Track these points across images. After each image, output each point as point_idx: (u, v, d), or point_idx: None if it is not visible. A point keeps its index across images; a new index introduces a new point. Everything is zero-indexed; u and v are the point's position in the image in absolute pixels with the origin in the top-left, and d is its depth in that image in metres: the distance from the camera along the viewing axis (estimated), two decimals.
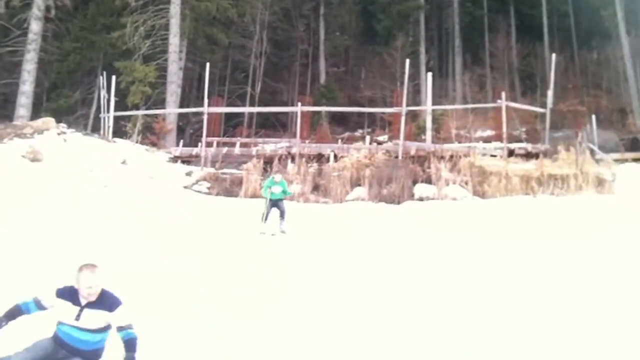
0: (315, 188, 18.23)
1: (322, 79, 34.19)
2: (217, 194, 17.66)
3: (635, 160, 19.84)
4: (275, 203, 12.14)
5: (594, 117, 22.13)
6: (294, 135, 21.70)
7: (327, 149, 20.10)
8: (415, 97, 29.16)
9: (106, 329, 3.64)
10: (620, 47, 29.31)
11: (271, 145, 21.46)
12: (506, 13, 35.16)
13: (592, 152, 19.29)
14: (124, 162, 18.58)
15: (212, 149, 21.18)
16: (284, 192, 12.49)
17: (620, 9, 28.53)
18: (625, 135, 24.20)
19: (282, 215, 12.13)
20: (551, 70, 21.83)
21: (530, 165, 18.02)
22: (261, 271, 7.70)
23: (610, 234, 11.02)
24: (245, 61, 32.79)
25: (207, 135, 21.39)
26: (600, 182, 16.90)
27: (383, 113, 25.61)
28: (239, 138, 23.59)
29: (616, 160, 19.15)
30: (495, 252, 9.85)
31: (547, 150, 19.15)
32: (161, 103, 26.91)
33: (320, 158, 19.61)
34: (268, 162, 19.28)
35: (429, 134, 20.56)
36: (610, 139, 22.37)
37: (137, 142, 22.54)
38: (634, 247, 9.61)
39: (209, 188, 18.19)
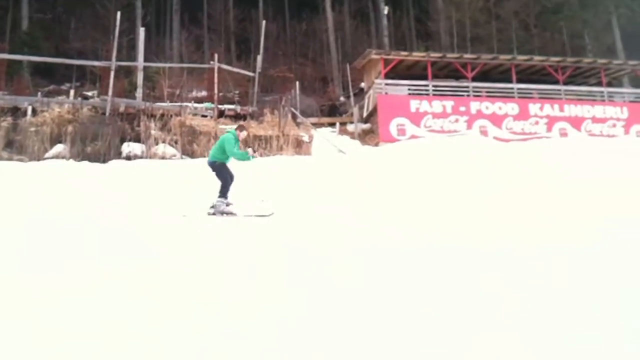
0: (9, 144, 16.49)
1: (25, 25, 30.63)
2: None
3: (331, 124, 22.11)
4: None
5: (297, 83, 23.84)
6: None
7: (24, 102, 18.20)
8: (130, 52, 27.95)
9: None
10: (325, 21, 32.01)
11: None
12: None
13: (294, 115, 20.89)
14: None
15: None
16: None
17: None
18: (325, 102, 26.65)
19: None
20: (261, 36, 22.87)
21: None
22: None
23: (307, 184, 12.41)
24: None
25: None
26: (298, 144, 18.43)
27: (93, 66, 24.06)
28: None
29: (314, 124, 21.06)
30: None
31: (255, 113, 20.17)
32: None
33: (16, 112, 17.73)
34: None
35: (139, 91, 19.95)
36: (311, 105, 24.45)
37: None
38: (327, 196, 11.07)
39: None
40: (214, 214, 9.01)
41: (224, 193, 9.14)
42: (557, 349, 2.90)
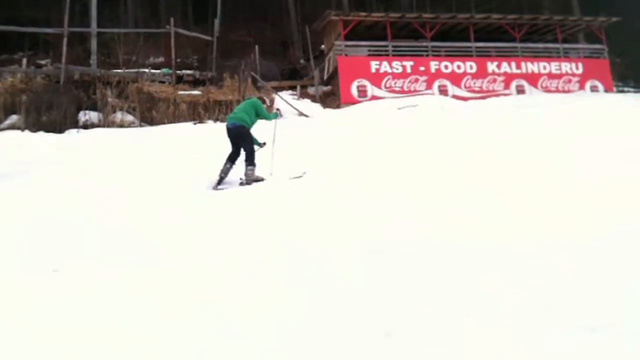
0: None
1: None
2: None
3: (292, 87, 22.01)
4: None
5: (257, 47, 23.54)
6: None
7: None
8: (84, 19, 27.11)
9: None
10: None
11: None
12: None
13: (254, 80, 20.71)
14: None
15: None
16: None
17: None
18: (286, 66, 26.39)
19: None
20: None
21: (197, 92, 18.60)
22: None
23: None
24: None
25: None
26: None
27: (46, 34, 23.35)
28: None
29: (275, 88, 20.95)
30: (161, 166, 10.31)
31: (214, 78, 19.96)
32: None
33: None
34: None
35: (94, 58, 19.50)
36: (272, 69, 24.19)
37: None
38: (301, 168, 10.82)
39: None
40: (247, 183, 8.61)
41: (251, 160, 8.69)
42: (557, 348, 3.00)
